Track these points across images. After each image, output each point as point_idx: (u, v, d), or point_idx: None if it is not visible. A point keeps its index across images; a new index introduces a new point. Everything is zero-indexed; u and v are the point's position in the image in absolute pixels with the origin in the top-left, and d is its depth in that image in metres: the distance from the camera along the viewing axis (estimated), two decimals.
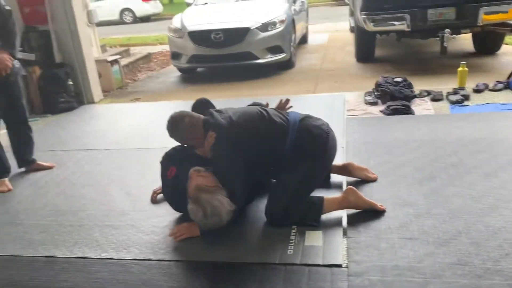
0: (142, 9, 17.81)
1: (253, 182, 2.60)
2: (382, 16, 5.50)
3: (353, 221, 2.39)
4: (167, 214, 2.62)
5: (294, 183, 2.38)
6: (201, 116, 2.54)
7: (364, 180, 2.81)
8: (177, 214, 2.59)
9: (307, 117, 2.56)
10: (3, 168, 3.29)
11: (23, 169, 3.54)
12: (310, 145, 2.44)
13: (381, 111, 4.16)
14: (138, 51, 9.28)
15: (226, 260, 2.16)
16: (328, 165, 2.60)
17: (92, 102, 5.65)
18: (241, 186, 2.34)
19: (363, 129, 3.75)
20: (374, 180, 2.81)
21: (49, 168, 3.56)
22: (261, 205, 2.49)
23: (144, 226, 2.55)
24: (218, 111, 2.56)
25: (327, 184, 2.79)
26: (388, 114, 4.05)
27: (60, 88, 5.27)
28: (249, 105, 2.76)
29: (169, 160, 2.61)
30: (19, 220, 2.77)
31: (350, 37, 8.39)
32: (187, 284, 2.04)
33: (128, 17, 17.72)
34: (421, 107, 4.18)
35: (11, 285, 2.14)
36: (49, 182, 3.31)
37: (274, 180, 2.57)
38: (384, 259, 2.05)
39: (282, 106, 2.80)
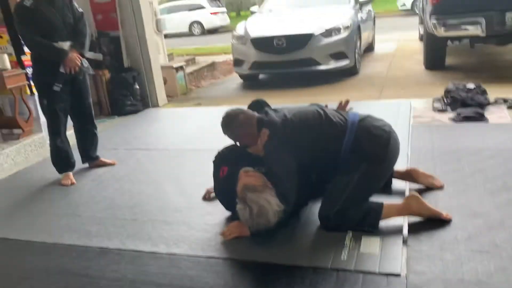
0: (210, 22, 18.33)
1: (308, 184, 2.50)
2: (454, 20, 5.17)
3: (415, 229, 2.20)
4: (219, 213, 2.58)
5: (350, 186, 2.25)
6: (256, 113, 2.48)
7: (429, 188, 2.60)
8: (229, 213, 2.54)
9: (368, 117, 2.42)
10: (68, 163, 3.44)
11: (86, 165, 3.68)
12: (369, 146, 2.29)
13: (450, 119, 3.88)
14: (204, 60, 9.49)
15: (275, 261, 2.07)
16: (389, 169, 2.43)
17: (156, 105, 5.81)
18: (292, 187, 2.24)
19: (430, 136, 3.51)
20: (440, 188, 2.59)
21: (111, 165, 3.67)
22: (316, 208, 2.38)
23: (196, 223, 2.53)
24: (274, 110, 2.50)
25: (388, 190, 2.61)
26: (459, 122, 3.77)
27: (127, 91, 5.48)
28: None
29: (222, 160, 2.57)
30: (78, 212, 2.86)
31: (419, 46, 8.01)
32: (234, 282, 1.97)
33: (197, 30, 18.31)
34: (496, 115, 3.84)
35: (63, 272, 2.19)
36: (110, 178, 3.41)
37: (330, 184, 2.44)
38: (449, 272, 1.86)
39: (342, 107, 2.67)
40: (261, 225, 2.17)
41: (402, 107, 4.37)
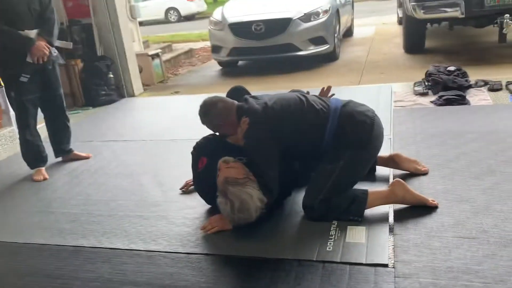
0: (186, 8, 17.96)
1: (291, 173, 2.42)
2: (433, 2, 5.12)
3: (401, 217, 2.15)
4: (198, 206, 2.48)
5: (334, 174, 2.17)
6: (235, 102, 2.38)
7: (414, 173, 2.56)
8: (209, 206, 2.44)
9: (350, 103, 2.34)
10: (39, 158, 3.28)
11: (60, 159, 3.52)
12: (352, 132, 2.21)
13: (432, 102, 3.84)
14: (181, 47, 9.29)
15: (259, 255, 1.99)
16: (373, 155, 2.35)
17: (132, 95, 5.64)
18: (275, 177, 2.15)
19: (412, 120, 3.46)
20: (424, 173, 2.55)
21: (86, 158, 3.52)
22: (300, 197, 2.30)
23: (175, 218, 2.42)
24: (254, 97, 2.40)
25: (372, 177, 2.56)
26: (440, 105, 3.74)
27: (101, 81, 5.28)
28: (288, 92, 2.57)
29: (200, 151, 2.46)
30: (51, 209, 2.72)
31: (398, 30, 8.00)
32: (216, 279, 1.88)
33: (173, 16, 17.92)
34: (478, 97, 3.83)
35: (36, 274, 2.07)
36: (84, 171, 3.27)
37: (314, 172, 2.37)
38: (437, 260, 1.81)
39: (324, 93, 2.59)
40: (243, 220, 2.08)
41: (383, 91, 4.33)
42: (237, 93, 2.69)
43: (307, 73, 5.97)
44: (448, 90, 3.88)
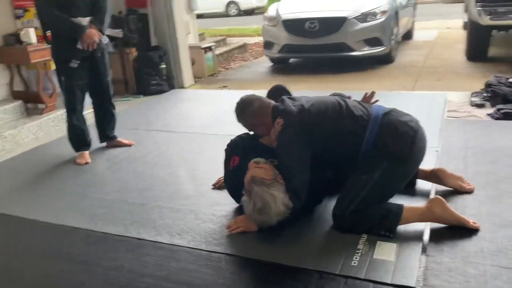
0: (247, 2, 18.03)
1: (323, 181, 2.33)
2: (500, 8, 4.78)
3: (437, 237, 2.01)
4: (227, 203, 2.45)
5: (369, 185, 2.06)
6: (272, 102, 2.32)
7: (458, 191, 2.38)
8: (238, 205, 2.40)
9: (393, 111, 2.21)
10: (83, 142, 3.38)
11: (104, 144, 3.63)
12: (393, 143, 2.09)
13: (488, 115, 3.59)
14: (235, 42, 9.32)
15: (280, 262, 1.92)
16: (413, 170, 2.21)
17: (182, 86, 5.72)
18: (304, 182, 2.08)
19: (464, 133, 3.24)
20: (469, 192, 2.37)
21: (128, 145, 3.60)
22: (330, 207, 2.20)
23: (203, 213, 2.41)
24: (291, 98, 2.32)
25: (411, 191, 2.42)
26: (497, 119, 3.48)
27: (153, 70, 5.40)
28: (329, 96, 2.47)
29: (233, 149, 2.44)
30: (87, 193, 2.80)
31: (462, 35, 7.55)
32: (233, 281, 1.84)
33: (233, 10, 18.05)
34: None
35: (62, 256, 2.13)
36: (125, 159, 3.34)
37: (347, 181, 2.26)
38: None
39: (367, 99, 2.46)
40: (263, 222, 2.03)
41: (437, 99, 4.10)
42: (278, 92, 2.63)
43: (359, 74, 5.79)
44: (508, 103, 3.60)
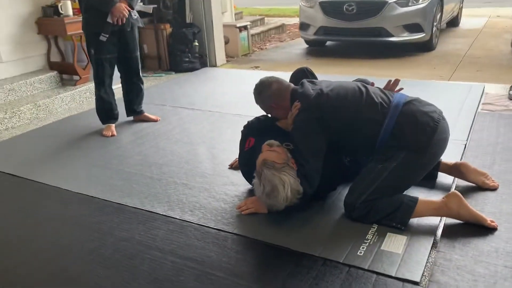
0: None
1: (339, 167, 2.29)
2: None
3: (450, 233, 1.94)
4: (241, 184, 2.46)
5: (383, 175, 2.01)
6: (291, 85, 2.28)
7: (480, 187, 2.29)
8: (251, 186, 2.40)
9: (415, 101, 2.12)
10: (110, 115, 3.46)
11: (131, 118, 3.70)
12: (411, 134, 2.02)
13: None
14: (273, 22, 9.21)
15: (285, 246, 1.92)
16: (431, 162, 2.13)
17: (214, 65, 5.72)
18: (318, 169, 2.05)
19: (496, 127, 3.09)
20: (492, 189, 2.27)
21: (154, 121, 3.66)
22: (344, 194, 2.16)
23: (216, 192, 2.43)
24: (312, 82, 2.28)
25: (431, 184, 2.34)
26: None
27: (185, 48, 5.42)
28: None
29: (250, 130, 2.43)
30: (109, 165, 2.87)
31: None
32: (237, 261, 1.85)
33: None
34: None
35: (78, 224, 2.21)
36: (149, 134, 3.40)
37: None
38: None
39: (391, 87, 2.37)
40: (271, 206, 2.02)
41: (473, 91, 3.92)
42: (302, 74, 2.58)
43: (395, 61, 5.61)
44: None
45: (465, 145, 2.81)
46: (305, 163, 2.04)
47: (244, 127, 2.46)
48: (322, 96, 2.10)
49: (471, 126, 3.09)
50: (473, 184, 2.31)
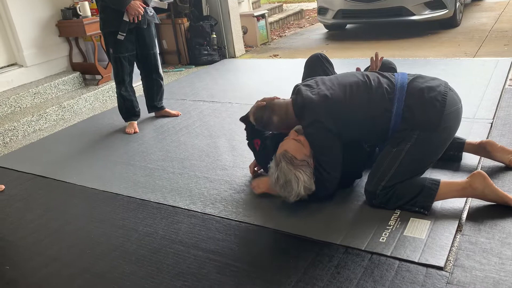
0: None
1: (362, 154, 2.26)
2: None
3: (476, 215, 1.89)
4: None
5: (400, 158, 1.96)
6: (288, 101, 2.17)
7: (507, 166, 2.22)
8: None
9: (418, 78, 2.06)
10: (132, 112, 3.52)
11: (153, 114, 3.75)
12: (420, 113, 1.95)
13: None
14: (292, 8, 9.11)
15: (307, 235, 1.91)
16: (448, 137, 2.03)
17: (233, 56, 5.72)
18: (336, 178, 2.07)
19: None
20: None
21: (175, 116, 3.70)
22: (365, 180, 2.13)
23: (237, 184, 2.45)
24: (307, 85, 2.16)
25: (455, 166, 2.28)
26: None
27: (203, 40, 5.43)
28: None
29: (252, 133, 2.45)
30: (132, 161, 2.93)
31: None
32: (259, 252, 1.86)
33: None
34: None
35: (103, 221, 2.26)
36: (170, 129, 3.44)
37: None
38: (503, 272, 1.56)
39: (376, 64, 2.36)
40: (281, 195, 2.04)
41: (500, 66, 3.78)
42: (317, 62, 2.56)
43: (418, 40, 5.45)
44: None
45: (491, 123, 2.72)
46: (323, 172, 2.04)
47: (246, 131, 2.49)
48: (329, 101, 2.02)
49: (498, 103, 2.99)
50: (500, 164, 2.24)
